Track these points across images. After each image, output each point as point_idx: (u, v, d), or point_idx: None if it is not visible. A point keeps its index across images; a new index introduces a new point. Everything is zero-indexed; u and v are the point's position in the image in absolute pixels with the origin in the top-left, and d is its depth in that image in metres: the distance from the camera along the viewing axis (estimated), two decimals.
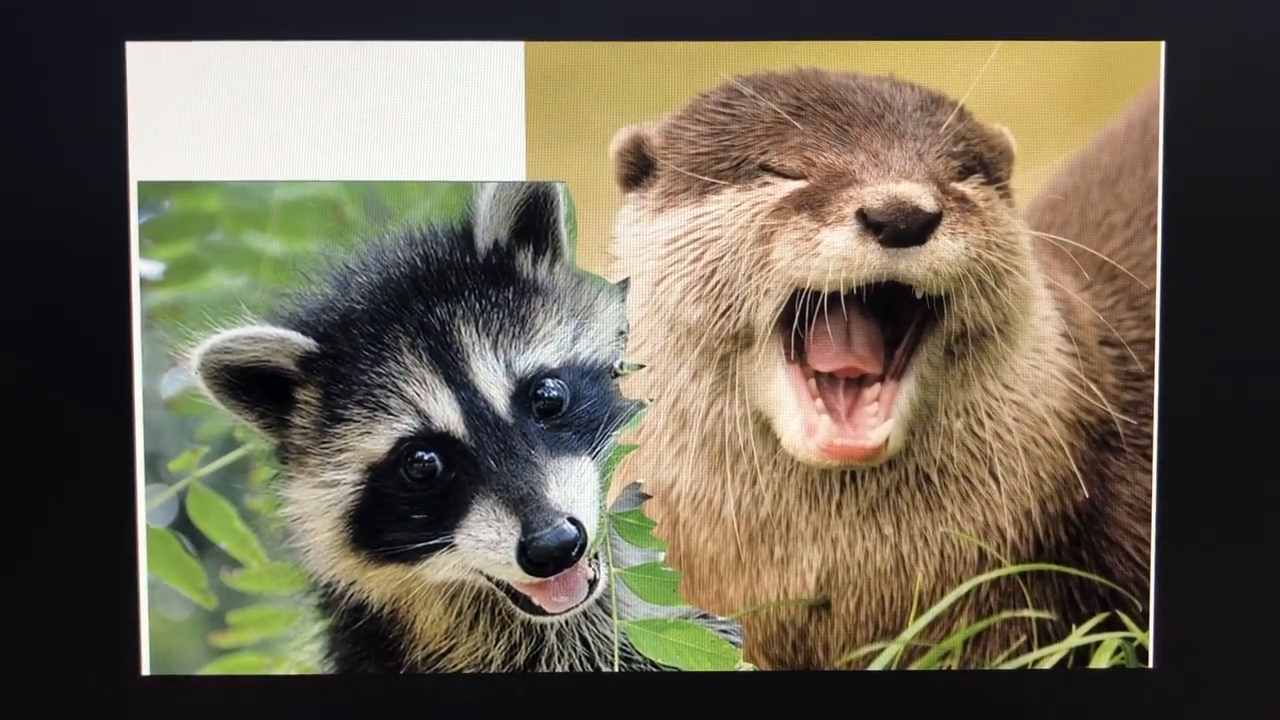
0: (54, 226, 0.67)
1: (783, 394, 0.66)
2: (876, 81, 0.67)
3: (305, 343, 0.62)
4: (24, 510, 0.68)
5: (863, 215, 0.63)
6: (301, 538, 0.64)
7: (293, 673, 0.69)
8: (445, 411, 0.61)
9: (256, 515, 0.69)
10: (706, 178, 0.66)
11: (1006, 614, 0.69)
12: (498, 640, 0.65)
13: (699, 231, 0.66)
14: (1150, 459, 0.69)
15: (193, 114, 0.67)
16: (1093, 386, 0.68)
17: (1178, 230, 0.68)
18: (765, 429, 0.67)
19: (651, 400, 0.67)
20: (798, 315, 0.64)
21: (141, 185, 0.67)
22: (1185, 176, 0.68)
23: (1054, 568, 0.69)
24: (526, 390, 0.62)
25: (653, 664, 0.67)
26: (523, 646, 0.66)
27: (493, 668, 0.66)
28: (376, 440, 0.61)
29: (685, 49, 0.67)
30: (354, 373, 0.62)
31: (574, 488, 0.60)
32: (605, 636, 0.66)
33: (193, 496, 0.69)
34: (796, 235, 0.64)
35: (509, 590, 0.63)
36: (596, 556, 0.64)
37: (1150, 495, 0.69)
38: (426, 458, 0.61)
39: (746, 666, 0.69)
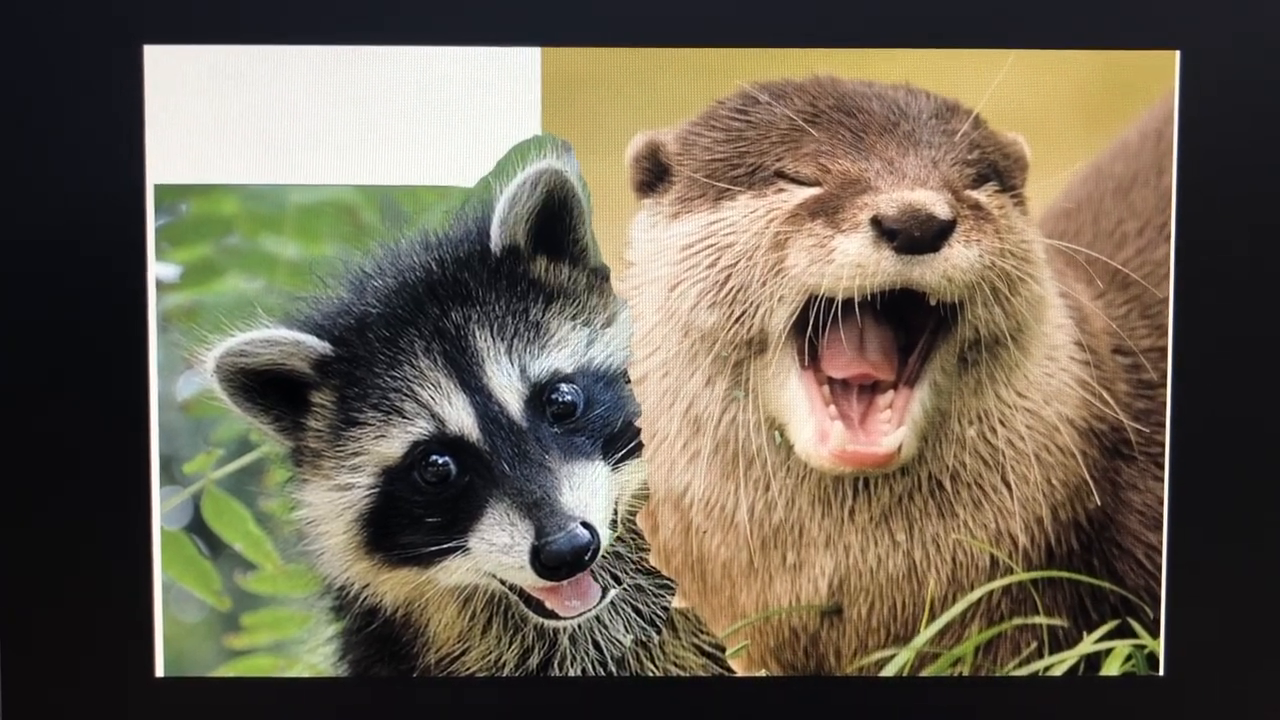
0: (71, 229, 0.67)
1: (796, 400, 0.66)
2: (892, 89, 0.67)
3: (320, 346, 0.62)
4: (39, 511, 0.68)
5: (877, 222, 0.63)
6: (315, 540, 0.64)
7: (306, 675, 0.69)
8: (459, 415, 0.61)
9: (271, 518, 0.69)
10: (722, 184, 0.66)
11: (1018, 621, 0.69)
12: (510, 644, 0.66)
13: (714, 238, 0.66)
14: (1162, 467, 0.69)
15: (210, 118, 0.67)
16: (1105, 394, 0.68)
17: (1191, 239, 0.68)
18: (778, 435, 0.67)
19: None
20: (811, 322, 0.64)
21: (158, 188, 0.67)
22: (1199, 186, 0.68)
23: (1065, 575, 0.69)
24: (540, 395, 0.62)
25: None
26: (535, 650, 0.66)
27: (505, 671, 0.66)
28: (391, 444, 0.61)
29: (702, 55, 0.67)
30: (369, 376, 0.62)
31: (587, 492, 0.60)
32: (617, 640, 0.67)
33: (207, 499, 0.69)
34: (811, 242, 0.64)
35: (522, 594, 0.63)
36: None
37: (1162, 503, 0.69)
38: (441, 461, 0.61)
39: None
